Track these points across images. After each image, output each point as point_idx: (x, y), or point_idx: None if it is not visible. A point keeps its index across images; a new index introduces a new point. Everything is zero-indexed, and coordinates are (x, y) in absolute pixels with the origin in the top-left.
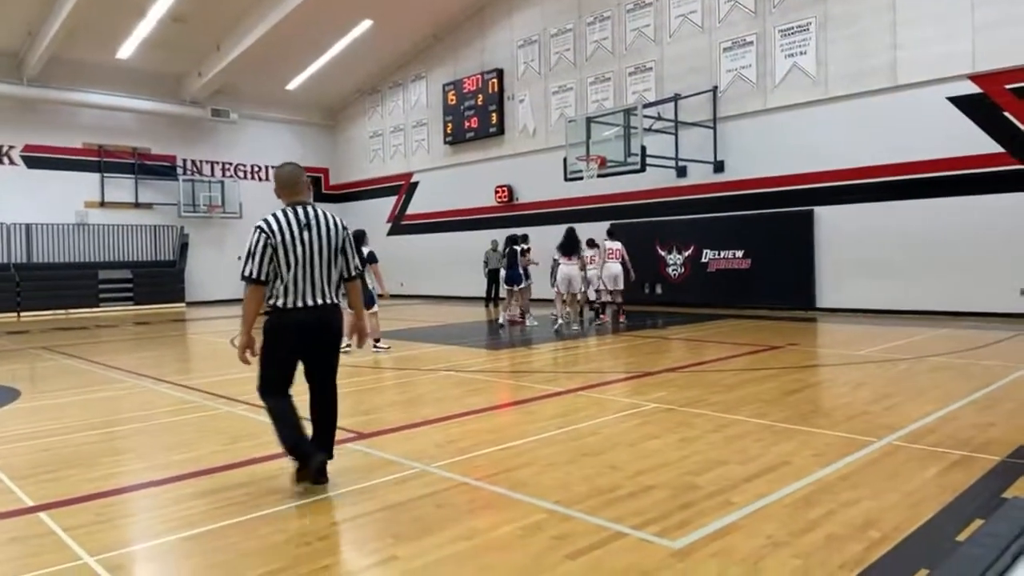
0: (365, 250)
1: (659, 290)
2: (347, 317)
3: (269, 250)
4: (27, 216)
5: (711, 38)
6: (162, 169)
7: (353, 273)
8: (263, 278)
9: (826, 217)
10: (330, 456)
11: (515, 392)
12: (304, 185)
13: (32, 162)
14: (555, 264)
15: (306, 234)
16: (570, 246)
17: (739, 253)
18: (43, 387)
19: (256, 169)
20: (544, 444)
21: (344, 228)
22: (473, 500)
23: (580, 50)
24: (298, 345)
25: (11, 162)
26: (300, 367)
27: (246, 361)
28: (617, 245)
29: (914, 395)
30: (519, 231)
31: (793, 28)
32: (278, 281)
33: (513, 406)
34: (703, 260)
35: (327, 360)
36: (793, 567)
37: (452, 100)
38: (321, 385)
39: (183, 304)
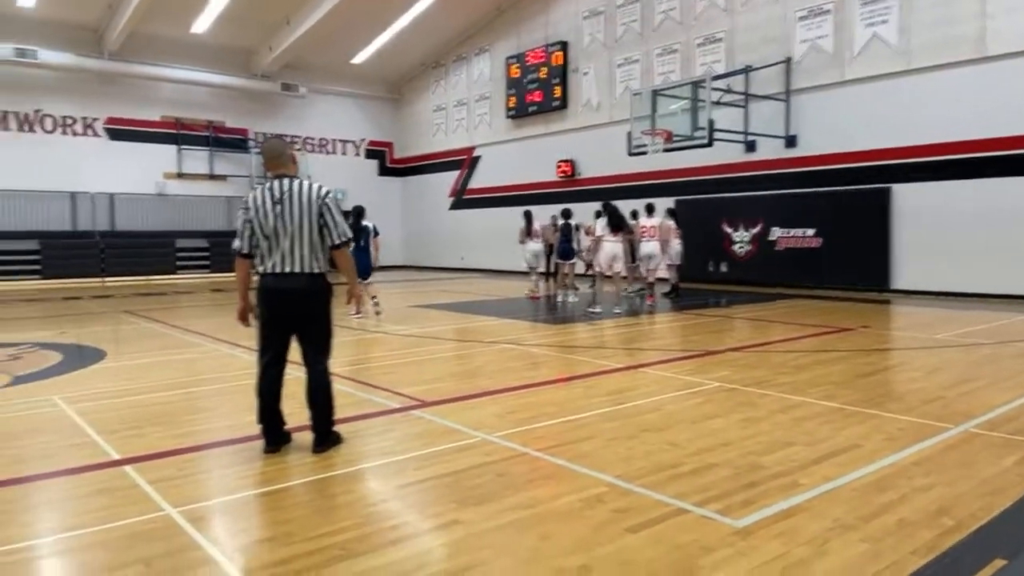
0: (369, 224)
1: (724, 268)
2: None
3: (248, 225)
4: (110, 186)
5: (785, 7)
6: (235, 142)
7: (336, 242)
8: (246, 251)
9: (905, 195)
10: (321, 446)
11: (574, 367)
12: (285, 159)
13: (114, 134)
14: (596, 241)
15: (278, 207)
16: (616, 222)
17: (810, 231)
18: (126, 348)
19: (324, 142)
20: (604, 419)
21: (321, 199)
22: (533, 470)
23: (647, 21)
24: (273, 309)
25: (95, 134)
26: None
27: (244, 323)
28: (653, 222)
29: (994, 381)
30: (579, 206)
31: None
32: (258, 251)
33: (572, 380)
34: (771, 238)
35: (306, 330)
36: (861, 551)
37: (515, 73)
38: (305, 359)
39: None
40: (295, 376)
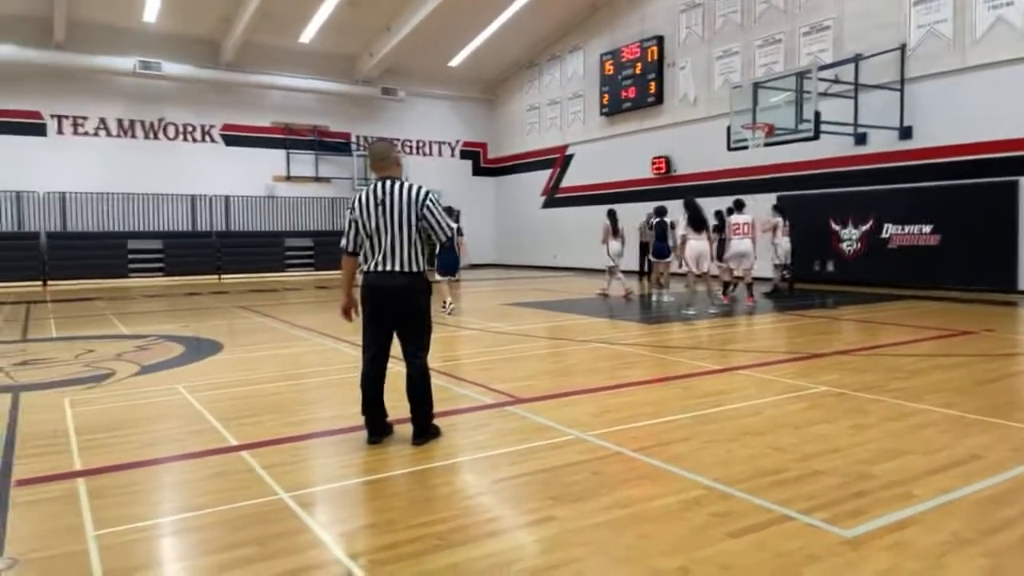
0: (454, 225)
1: (830, 267)
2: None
3: (353, 224)
4: (225, 189)
5: None
6: (338, 145)
7: (443, 239)
8: (351, 249)
9: None
10: (420, 438)
11: (669, 367)
12: (390, 161)
13: (229, 140)
14: (682, 240)
15: (380, 207)
16: (699, 220)
17: (926, 228)
18: (241, 341)
19: (421, 144)
20: (702, 421)
21: (422, 200)
22: (629, 470)
23: (748, 11)
24: (373, 306)
25: (212, 140)
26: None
27: (347, 318)
28: (746, 219)
29: None
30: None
31: None
32: (363, 249)
33: (668, 381)
34: (883, 235)
35: (404, 326)
36: (980, 566)
37: (609, 70)
38: (405, 354)
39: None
40: (396, 370)
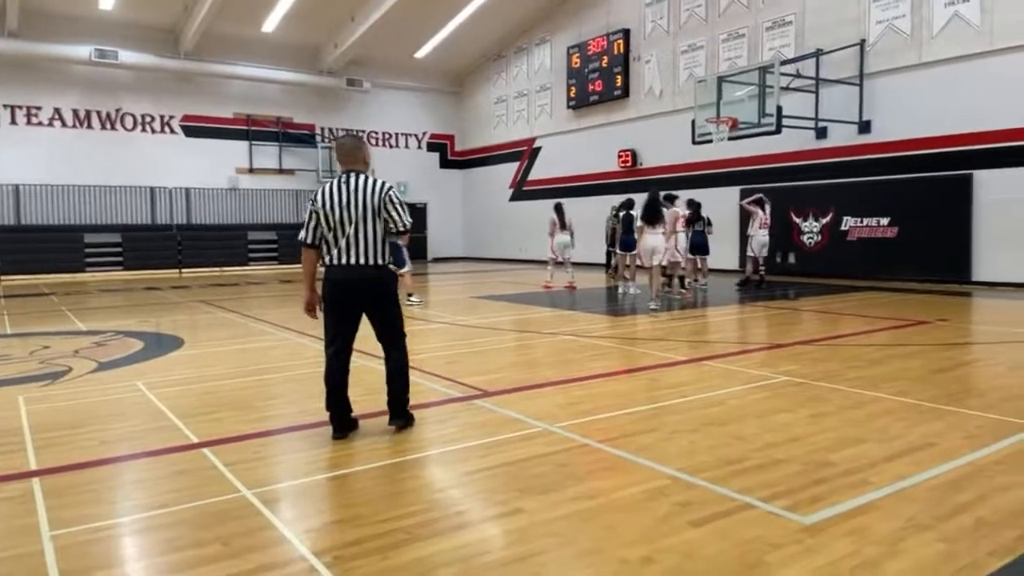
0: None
1: (792, 259)
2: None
3: (314, 217)
4: (186, 181)
5: None
6: (303, 137)
7: (399, 230)
8: (311, 242)
9: (987, 182)
10: (399, 420)
11: (636, 359)
12: (358, 157)
13: (189, 131)
14: (638, 232)
15: (344, 200)
16: (654, 213)
17: (884, 220)
18: (203, 336)
19: (387, 136)
20: (667, 411)
21: (383, 191)
22: (596, 461)
23: (713, 5)
24: (338, 299)
25: (172, 131)
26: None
27: (312, 315)
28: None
29: None
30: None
31: None
32: (325, 242)
33: (635, 372)
34: (843, 228)
35: (376, 318)
36: (937, 551)
37: (576, 63)
38: (382, 342)
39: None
40: (359, 364)
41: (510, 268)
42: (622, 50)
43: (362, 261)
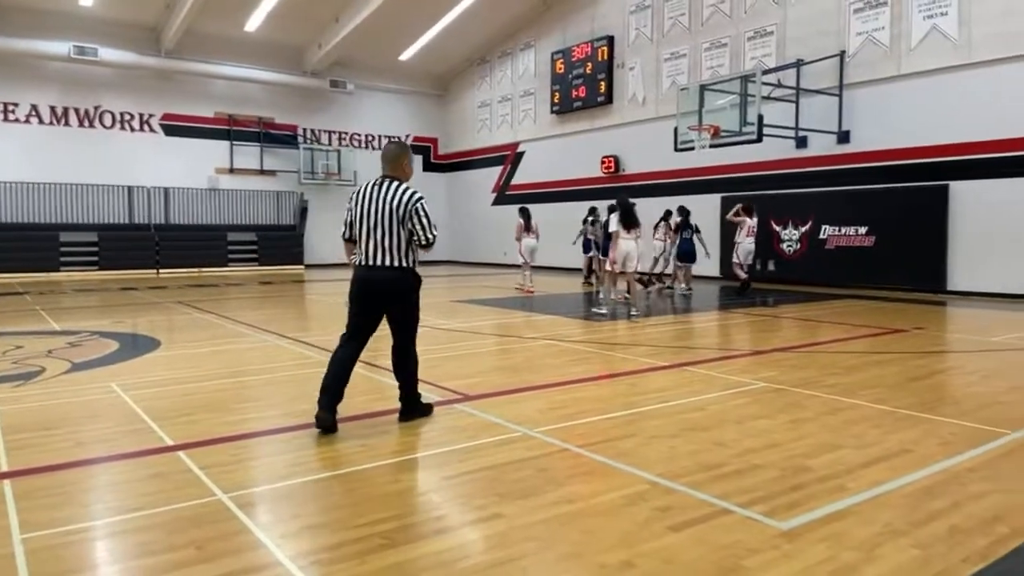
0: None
1: (772, 267)
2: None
3: (348, 215)
4: (165, 180)
5: None
6: (284, 138)
7: (423, 243)
8: (348, 237)
9: (963, 193)
10: (405, 412)
11: (618, 364)
12: (397, 163)
13: (169, 130)
14: (613, 238)
15: (373, 204)
16: (631, 219)
17: (862, 229)
18: (180, 338)
19: (370, 138)
20: (647, 416)
21: (411, 202)
22: (576, 466)
23: (696, 14)
24: (358, 297)
25: (151, 130)
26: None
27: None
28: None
29: None
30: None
31: None
32: (357, 241)
33: (615, 377)
34: (821, 236)
35: (391, 315)
36: (911, 556)
37: (560, 69)
38: (394, 338)
39: (302, 266)
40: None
41: (492, 272)
42: (606, 57)
43: (384, 263)
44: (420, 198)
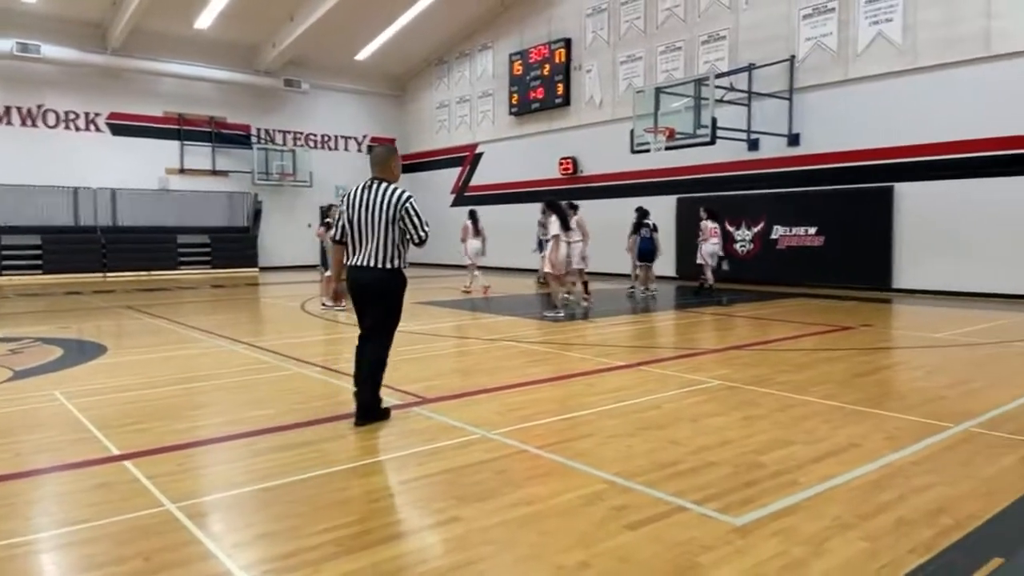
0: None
1: (725, 266)
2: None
3: (342, 217)
4: (112, 181)
5: (790, 5)
6: (237, 138)
7: (415, 240)
8: (338, 238)
9: (907, 194)
10: (361, 414)
11: (575, 364)
12: (385, 166)
13: (117, 129)
14: (554, 241)
15: (364, 206)
16: (566, 220)
17: (812, 230)
18: (127, 344)
19: (326, 138)
20: (604, 416)
21: (401, 203)
22: (533, 467)
23: (651, 18)
24: (353, 297)
25: (97, 129)
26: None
27: (336, 303)
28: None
29: (995, 381)
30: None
31: None
32: (349, 240)
33: (573, 378)
34: (773, 236)
35: (373, 312)
36: (860, 549)
37: (518, 70)
38: (371, 338)
39: (256, 269)
40: (296, 372)
41: (451, 274)
42: (564, 59)
43: (371, 263)
44: (410, 197)
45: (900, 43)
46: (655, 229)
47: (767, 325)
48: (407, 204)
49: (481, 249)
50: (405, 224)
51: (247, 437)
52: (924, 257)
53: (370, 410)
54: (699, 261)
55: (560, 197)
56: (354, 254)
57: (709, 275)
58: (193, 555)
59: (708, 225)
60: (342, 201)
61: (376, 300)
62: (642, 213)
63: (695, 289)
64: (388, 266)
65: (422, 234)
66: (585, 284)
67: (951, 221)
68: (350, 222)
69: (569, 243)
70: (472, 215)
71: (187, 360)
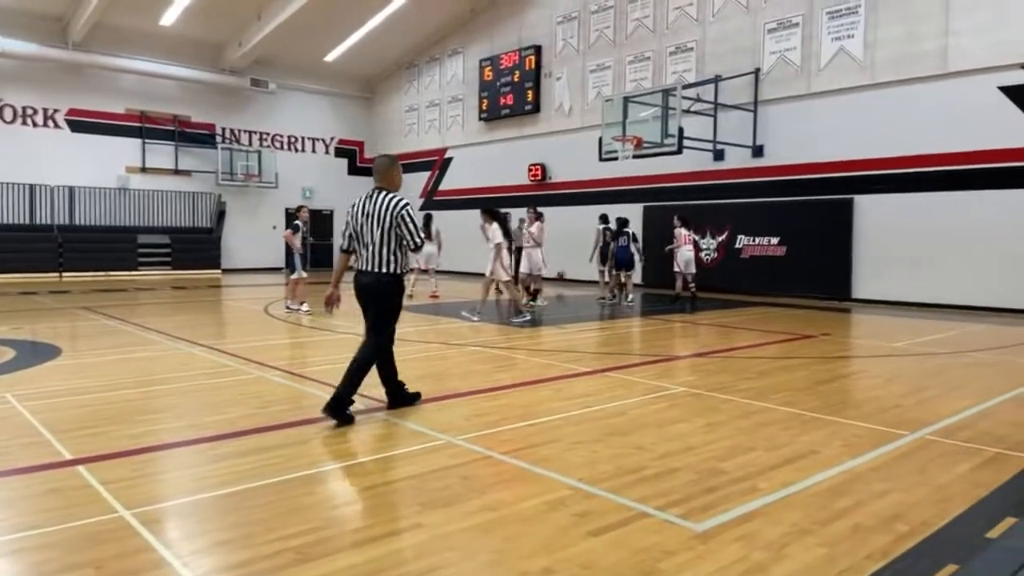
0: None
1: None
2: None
3: (348, 226)
4: (70, 179)
5: (755, 19)
6: (201, 137)
7: (411, 246)
8: (345, 247)
9: (867, 206)
10: (331, 405)
11: (542, 370)
12: (386, 176)
13: (76, 126)
14: (497, 249)
15: (365, 215)
16: (508, 228)
17: (774, 240)
18: (83, 345)
19: (292, 140)
20: (570, 422)
21: (398, 210)
22: (498, 473)
23: (620, 28)
24: (358, 299)
25: (55, 125)
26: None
27: (328, 307)
28: (534, 229)
29: (949, 390)
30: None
31: (842, 10)
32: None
33: (540, 384)
34: (737, 246)
35: (371, 313)
36: (818, 555)
37: (488, 76)
38: (366, 337)
39: (218, 270)
40: (257, 376)
41: (419, 278)
42: (533, 66)
43: (372, 268)
44: (406, 204)
45: (861, 59)
46: (635, 239)
47: (730, 333)
48: (403, 211)
49: (432, 252)
50: (401, 230)
51: (206, 442)
52: (882, 268)
53: (340, 403)
54: (676, 269)
55: (529, 203)
56: (359, 260)
57: (679, 283)
58: (147, 563)
59: (682, 232)
60: (348, 212)
61: (373, 302)
62: (621, 223)
63: (687, 299)
64: (385, 270)
65: (417, 240)
66: (536, 292)
67: (909, 233)
68: (355, 231)
69: (519, 249)
70: (426, 219)
71: (145, 363)
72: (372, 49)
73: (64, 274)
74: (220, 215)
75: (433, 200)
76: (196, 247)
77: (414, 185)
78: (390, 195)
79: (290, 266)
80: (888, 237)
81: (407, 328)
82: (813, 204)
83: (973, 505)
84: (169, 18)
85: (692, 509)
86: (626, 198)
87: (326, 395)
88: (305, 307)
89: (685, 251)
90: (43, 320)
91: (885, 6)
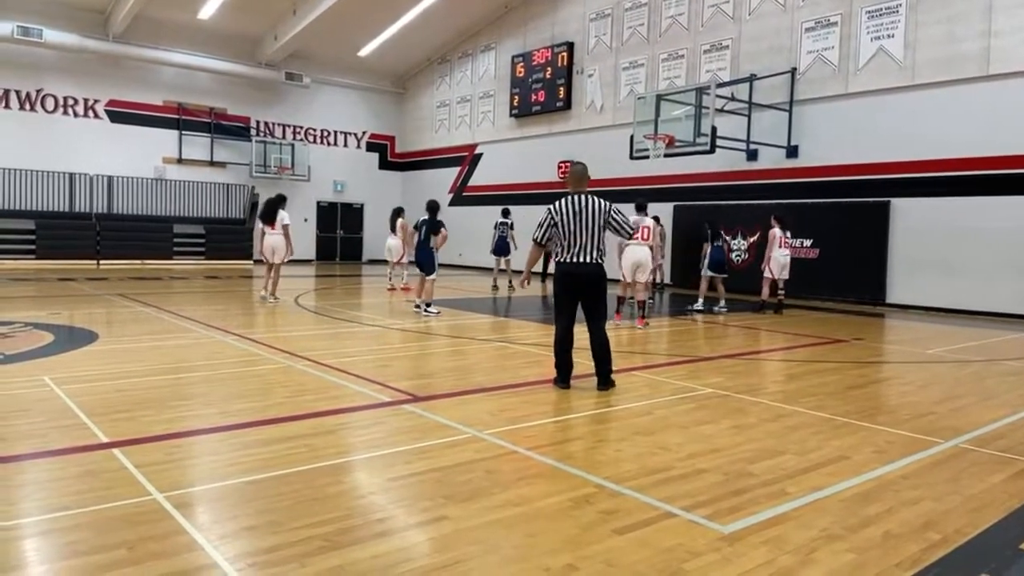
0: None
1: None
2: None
3: (553, 224)
4: (109, 168)
5: (793, 17)
6: (236, 129)
7: (628, 234)
8: (541, 241)
9: (904, 209)
10: (603, 382)
11: None
12: (586, 181)
13: (115, 116)
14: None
15: (577, 215)
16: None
17: (807, 242)
18: (119, 331)
19: (325, 133)
20: (595, 420)
21: (607, 210)
22: (523, 469)
23: (654, 25)
24: (567, 287)
25: (96, 116)
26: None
27: (522, 285)
28: (647, 222)
29: (985, 398)
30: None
31: (881, 10)
32: (553, 244)
33: None
34: None
35: (590, 302)
36: (847, 561)
37: (520, 72)
38: (590, 324)
39: (251, 262)
40: (287, 365)
41: (448, 273)
42: (566, 63)
43: (587, 260)
44: (612, 204)
45: (901, 59)
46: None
47: (759, 335)
48: (612, 210)
49: (393, 246)
50: (614, 226)
51: (236, 429)
52: (918, 273)
53: (607, 377)
54: (766, 274)
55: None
56: (568, 253)
57: (766, 290)
58: (178, 545)
59: (776, 233)
60: (551, 213)
61: (594, 286)
62: (712, 224)
63: (774, 307)
64: (600, 261)
65: (630, 230)
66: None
67: (946, 238)
68: (563, 229)
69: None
70: (396, 212)
71: (178, 350)
72: (405, 44)
73: (101, 261)
74: (253, 207)
75: (463, 195)
76: (229, 238)
77: (443, 180)
78: (598, 198)
79: (427, 266)
80: (925, 241)
81: (434, 322)
82: (848, 206)
83: (1007, 515)
84: (207, 12)
85: (719, 511)
86: (657, 197)
87: (354, 385)
88: (434, 309)
89: (781, 255)
90: (81, 306)
91: (926, 6)
